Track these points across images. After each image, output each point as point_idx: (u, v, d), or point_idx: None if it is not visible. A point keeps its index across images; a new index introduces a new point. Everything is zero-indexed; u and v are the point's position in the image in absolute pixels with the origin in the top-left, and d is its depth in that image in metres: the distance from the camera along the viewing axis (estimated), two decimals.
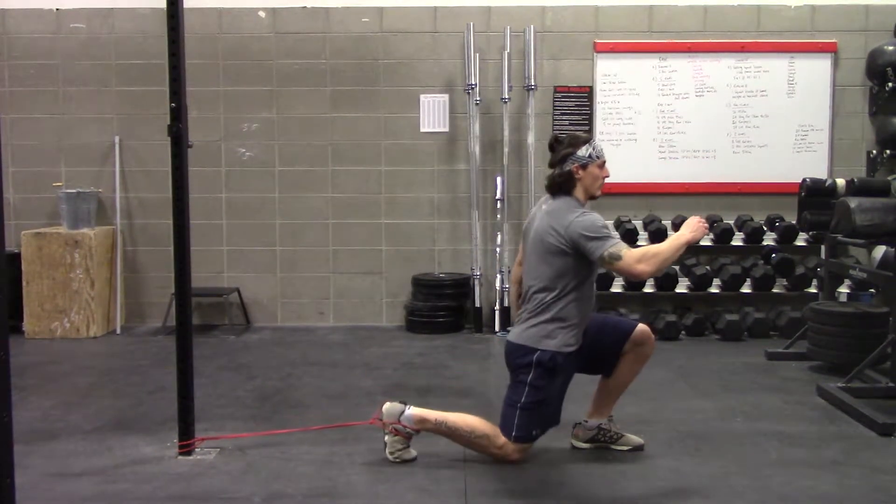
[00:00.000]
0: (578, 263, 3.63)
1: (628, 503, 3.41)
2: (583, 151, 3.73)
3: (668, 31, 6.86)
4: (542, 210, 3.80)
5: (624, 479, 3.63)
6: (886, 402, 4.51)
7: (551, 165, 3.81)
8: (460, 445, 3.83)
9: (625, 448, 3.94)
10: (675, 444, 4.05)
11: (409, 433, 3.79)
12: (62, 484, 3.56)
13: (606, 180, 3.83)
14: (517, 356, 3.72)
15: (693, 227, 3.62)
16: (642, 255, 3.54)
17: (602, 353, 3.83)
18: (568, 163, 3.72)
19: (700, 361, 5.74)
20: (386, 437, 3.82)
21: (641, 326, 3.85)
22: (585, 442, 3.97)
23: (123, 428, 4.30)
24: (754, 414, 4.54)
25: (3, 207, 2.48)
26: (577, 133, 3.88)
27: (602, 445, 3.95)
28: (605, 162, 3.80)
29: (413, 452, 3.84)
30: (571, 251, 3.61)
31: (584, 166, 3.72)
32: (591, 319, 3.83)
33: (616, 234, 3.45)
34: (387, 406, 3.83)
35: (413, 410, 3.80)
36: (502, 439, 3.72)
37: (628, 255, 3.52)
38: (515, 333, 3.79)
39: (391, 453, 3.79)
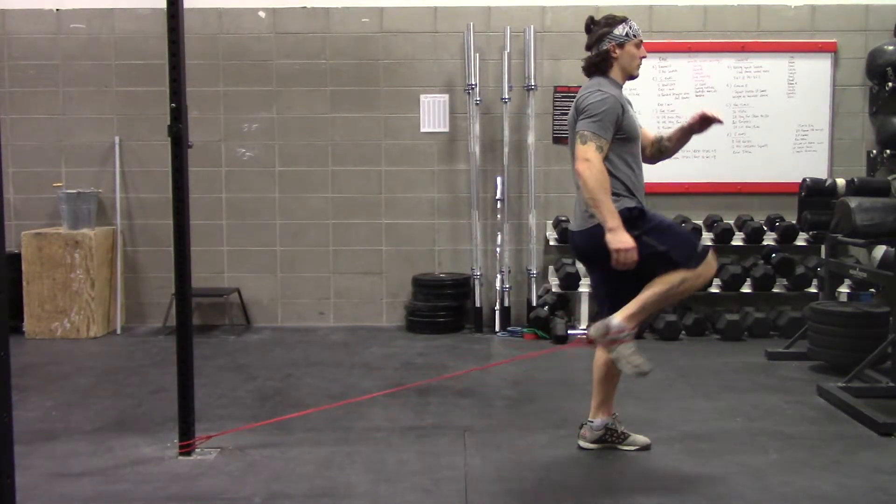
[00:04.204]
0: None
1: (628, 503, 3.41)
2: (619, 30, 3.67)
3: (668, 31, 6.86)
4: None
5: (624, 479, 3.63)
6: (886, 401, 4.51)
7: (588, 47, 3.75)
8: (677, 300, 3.75)
9: (632, 448, 3.94)
10: (675, 444, 4.05)
11: (626, 336, 3.58)
12: (62, 484, 3.56)
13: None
14: (598, 237, 3.53)
15: (618, 241, 3.45)
16: (595, 163, 3.47)
17: (630, 280, 3.66)
18: (605, 42, 3.67)
19: (700, 361, 5.74)
20: (612, 354, 3.60)
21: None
22: (593, 442, 3.96)
23: (124, 428, 4.30)
24: (754, 414, 4.54)
25: (3, 207, 2.48)
26: (613, 13, 3.80)
27: (609, 446, 3.95)
28: (641, 41, 3.73)
29: (649, 364, 3.63)
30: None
31: (621, 45, 3.67)
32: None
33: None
34: (592, 329, 3.66)
35: (615, 317, 3.59)
36: (689, 272, 3.55)
37: (590, 149, 3.48)
38: (577, 224, 3.71)
39: (627, 362, 3.56)
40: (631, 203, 3.64)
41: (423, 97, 6.92)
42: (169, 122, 3.74)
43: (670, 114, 6.91)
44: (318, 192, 6.99)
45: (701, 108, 3.93)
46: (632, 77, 3.77)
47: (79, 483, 3.57)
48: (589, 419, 3.96)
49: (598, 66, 3.71)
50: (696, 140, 6.84)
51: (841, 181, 5.57)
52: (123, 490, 3.50)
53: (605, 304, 3.79)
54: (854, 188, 5.38)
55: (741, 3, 6.87)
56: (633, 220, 3.59)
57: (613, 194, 3.58)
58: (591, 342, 3.75)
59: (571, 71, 6.89)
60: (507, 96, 6.74)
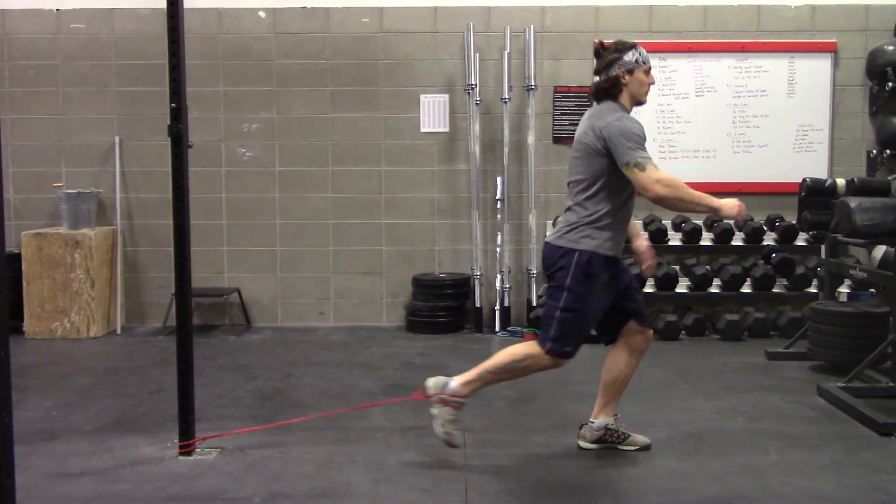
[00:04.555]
0: (613, 167, 3.58)
1: (628, 503, 3.41)
2: (629, 56, 3.68)
3: (668, 31, 6.86)
4: (586, 116, 3.76)
5: (624, 479, 3.63)
6: (886, 401, 4.51)
7: (596, 72, 3.77)
8: (515, 377, 3.80)
9: (632, 448, 3.94)
10: (675, 444, 4.05)
11: (457, 402, 3.72)
12: (62, 484, 3.56)
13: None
14: (555, 258, 3.66)
15: (730, 205, 3.55)
16: (666, 178, 3.51)
17: (612, 311, 3.79)
18: (614, 68, 3.68)
19: (700, 361, 5.74)
20: (434, 410, 3.73)
21: (645, 339, 3.91)
22: (593, 442, 3.96)
23: (124, 428, 4.30)
24: (754, 414, 4.54)
25: (3, 207, 2.48)
26: (623, 39, 3.82)
27: (609, 446, 3.95)
28: (650, 68, 3.75)
29: (460, 439, 3.77)
30: (606, 152, 3.57)
31: (630, 71, 3.68)
32: (624, 267, 3.80)
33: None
34: (432, 380, 3.77)
35: (455, 380, 3.73)
36: (540, 350, 3.66)
37: (653, 170, 3.50)
38: (553, 237, 3.75)
39: (441, 425, 3.70)
40: (602, 250, 3.62)
41: (423, 97, 6.92)
42: (169, 122, 3.74)
43: (670, 114, 6.92)
44: (318, 192, 6.99)
45: (648, 259, 3.97)
46: (640, 103, 3.79)
47: (79, 483, 3.57)
48: (590, 419, 3.96)
49: (607, 91, 3.71)
50: (696, 140, 6.93)
51: (841, 181, 5.57)
52: (123, 490, 3.50)
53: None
54: (854, 188, 5.38)
55: (741, 3, 6.87)
56: (581, 267, 3.59)
57: (598, 228, 3.61)
58: (423, 393, 3.81)
59: (571, 71, 6.90)
60: (507, 96, 6.74)
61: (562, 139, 6.92)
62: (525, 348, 3.73)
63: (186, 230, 3.81)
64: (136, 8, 6.85)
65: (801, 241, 6.74)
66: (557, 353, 3.66)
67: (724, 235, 6.68)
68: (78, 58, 6.91)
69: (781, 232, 6.69)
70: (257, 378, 5.33)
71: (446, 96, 6.91)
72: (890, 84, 6.56)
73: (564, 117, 6.91)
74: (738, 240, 6.75)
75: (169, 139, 3.75)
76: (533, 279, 6.77)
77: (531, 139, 6.79)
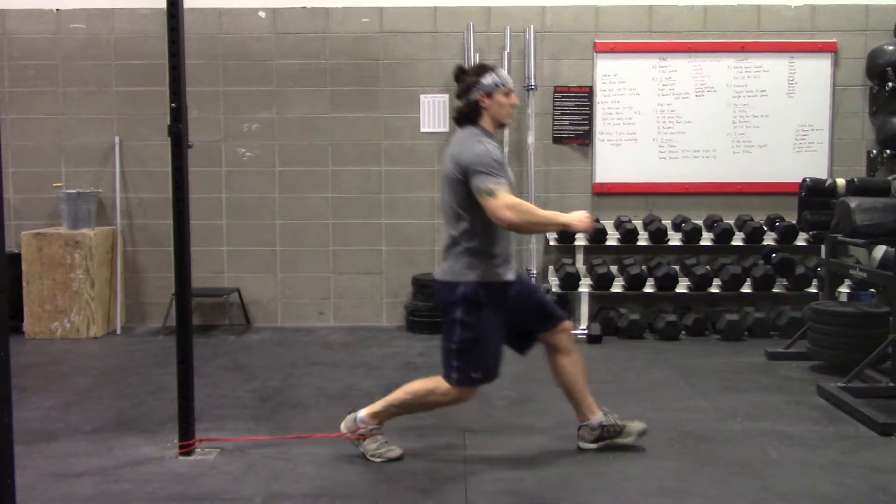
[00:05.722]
0: None
1: (628, 503, 3.41)
2: (487, 80, 3.67)
3: (668, 31, 6.86)
4: (451, 144, 3.75)
5: (624, 479, 3.63)
6: (886, 401, 4.51)
7: (458, 96, 3.76)
8: (420, 412, 3.84)
9: (630, 439, 3.93)
10: (675, 444, 4.05)
11: (373, 430, 3.81)
12: (62, 484, 3.56)
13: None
14: (444, 294, 3.67)
15: (577, 218, 3.62)
16: (515, 204, 3.51)
17: (518, 325, 3.78)
18: (473, 92, 3.68)
19: (700, 361, 5.74)
20: (360, 448, 3.83)
21: (566, 334, 3.85)
22: (592, 442, 3.96)
23: (124, 428, 4.30)
24: (754, 414, 4.54)
25: (3, 207, 2.48)
26: (483, 62, 3.79)
27: (609, 442, 3.94)
28: (511, 90, 3.74)
29: (397, 450, 3.84)
30: (465, 179, 3.56)
31: (489, 94, 3.67)
32: (522, 281, 3.80)
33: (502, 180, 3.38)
34: (343, 424, 3.87)
35: (362, 411, 3.83)
36: (446, 385, 3.67)
37: (503, 196, 3.49)
38: (440, 272, 3.73)
39: (373, 456, 3.79)
40: (488, 278, 3.60)
41: (422, 97, 6.92)
42: (169, 122, 3.74)
43: (670, 114, 6.91)
44: (318, 192, 6.99)
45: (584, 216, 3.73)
46: (502, 126, 3.80)
47: (79, 483, 3.58)
48: (583, 423, 3.96)
49: (468, 115, 3.71)
50: (696, 140, 6.93)
51: (841, 181, 5.57)
52: (123, 490, 3.50)
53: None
54: (854, 188, 5.38)
55: (741, 3, 6.87)
56: (468, 299, 3.57)
57: (479, 257, 3.59)
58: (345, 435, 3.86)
59: (571, 71, 6.90)
60: None
61: (562, 139, 6.92)
62: (428, 384, 3.74)
63: (186, 230, 3.81)
64: (136, 8, 6.85)
65: (801, 241, 6.74)
66: (465, 383, 3.65)
67: (724, 235, 6.68)
68: (78, 58, 6.91)
69: (781, 232, 6.69)
70: (257, 378, 5.33)
71: (446, 96, 6.91)
72: (890, 84, 6.55)
73: (564, 117, 6.91)
74: (738, 240, 6.75)
75: (169, 139, 3.75)
76: (533, 279, 6.76)
77: (531, 139, 6.79)
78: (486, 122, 3.71)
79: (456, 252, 3.63)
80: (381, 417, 3.82)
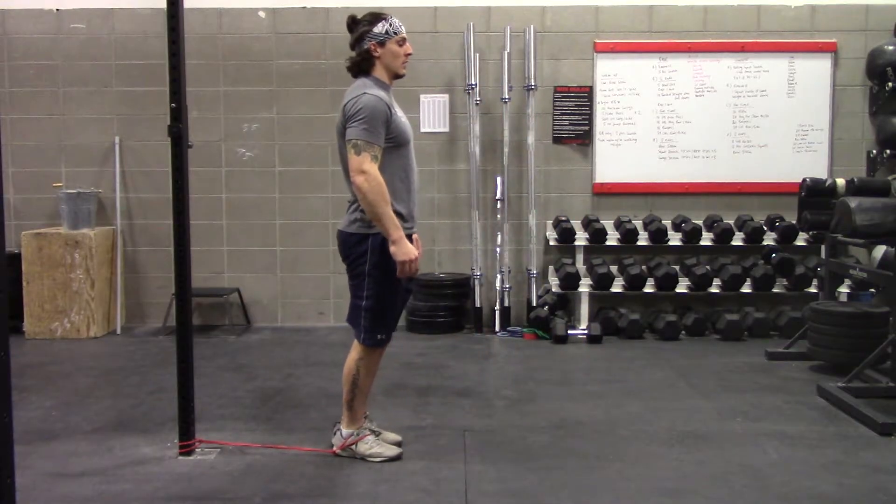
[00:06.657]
0: None
1: (628, 503, 3.41)
2: (379, 28, 3.61)
3: (668, 31, 6.86)
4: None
5: (624, 479, 3.63)
6: (886, 401, 4.51)
7: (351, 47, 3.70)
8: (370, 380, 3.81)
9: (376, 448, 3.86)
10: (675, 444, 4.05)
11: (359, 433, 3.80)
12: (62, 484, 3.56)
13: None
14: (350, 245, 3.66)
15: (403, 252, 3.49)
16: (374, 176, 3.42)
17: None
18: (365, 41, 3.62)
19: (700, 361, 5.74)
20: (357, 454, 3.80)
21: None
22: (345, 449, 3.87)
23: (124, 428, 4.30)
24: (754, 414, 4.54)
25: (3, 207, 2.48)
26: (375, 11, 3.72)
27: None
28: (405, 38, 3.67)
29: (394, 448, 3.83)
30: None
31: (381, 43, 3.62)
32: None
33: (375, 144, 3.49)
34: (332, 440, 3.87)
35: (343, 426, 3.82)
36: (360, 346, 3.68)
37: (366, 158, 3.43)
38: (345, 224, 3.71)
39: (371, 457, 3.78)
40: (406, 229, 3.59)
41: (423, 97, 6.92)
42: (169, 122, 3.74)
43: (670, 114, 6.91)
44: (318, 192, 6.99)
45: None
46: (398, 76, 3.71)
47: (78, 483, 3.57)
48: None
49: (360, 66, 3.66)
50: (696, 140, 6.93)
51: (841, 181, 5.57)
52: (123, 490, 3.49)
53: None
54: (854, 188, 5.39)
55: (741, 3, 6.87)
56: (378, 250, 3.57)
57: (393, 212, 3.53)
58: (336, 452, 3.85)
59: (571, 71, 6.90)
60: (507, 96, 6.74)
61: (562, 139, 6.92)
62: (354, 355, 3.74)
63: (186, 230, 3.82)
64: (136, 8, 6.85)
65: (801, 241, 6.74)
66: (372, 343, 3.67)
67: (724, 235, 6.68)
68: (78, 58, 6.91)
69: (781, 232, 6.69)
70: (257, 378, 5.33)
71: (446, 96, 6.91)
72: (890, 84, 6.56)
73: (564, 117, 6.91)
74: (738, 240, 6.75)
75: (169, 139, 3.75)
76: (533, 279, 6.77)
77: (531, 139, 6.79)
78: (379, 72, 3.65)
79: (359, 206, 3.58)
80: (356, 416, 3.81)
